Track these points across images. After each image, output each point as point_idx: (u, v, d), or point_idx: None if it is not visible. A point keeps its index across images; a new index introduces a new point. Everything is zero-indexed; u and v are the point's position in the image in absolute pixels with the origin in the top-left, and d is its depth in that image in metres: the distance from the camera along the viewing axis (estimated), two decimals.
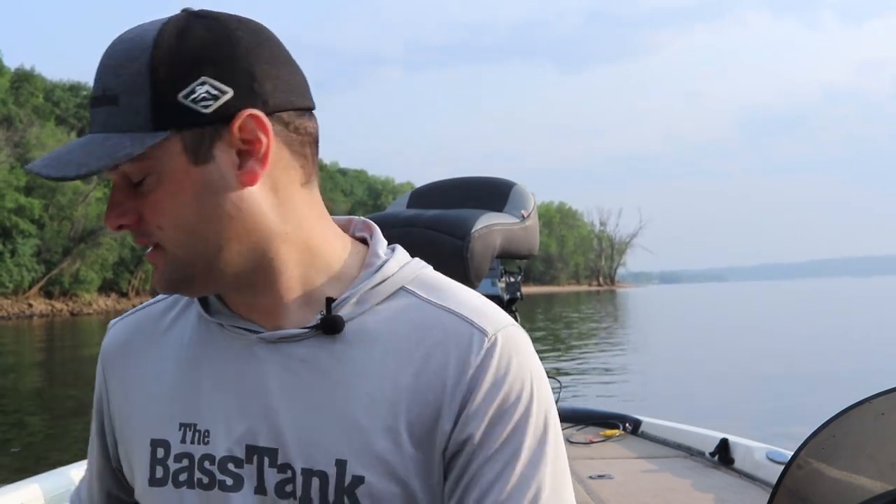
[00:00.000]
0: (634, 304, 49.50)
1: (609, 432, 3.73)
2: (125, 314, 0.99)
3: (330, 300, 0.81)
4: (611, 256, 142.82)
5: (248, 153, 0.77)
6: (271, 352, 0.83)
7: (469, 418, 0.78)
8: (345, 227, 0.91)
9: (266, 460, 0.81)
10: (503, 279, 4.36)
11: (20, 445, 7.18)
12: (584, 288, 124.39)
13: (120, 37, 0.78)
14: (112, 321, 0.99)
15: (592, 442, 3.64)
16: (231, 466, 0.82)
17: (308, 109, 0.82)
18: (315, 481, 0.79)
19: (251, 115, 0.76)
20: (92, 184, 50.24)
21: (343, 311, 0.82)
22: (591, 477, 3.07)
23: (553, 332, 21.68)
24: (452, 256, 2.37)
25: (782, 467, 1.06)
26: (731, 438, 3.24)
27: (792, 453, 1.05)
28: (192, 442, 0.85)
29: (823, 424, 1.04)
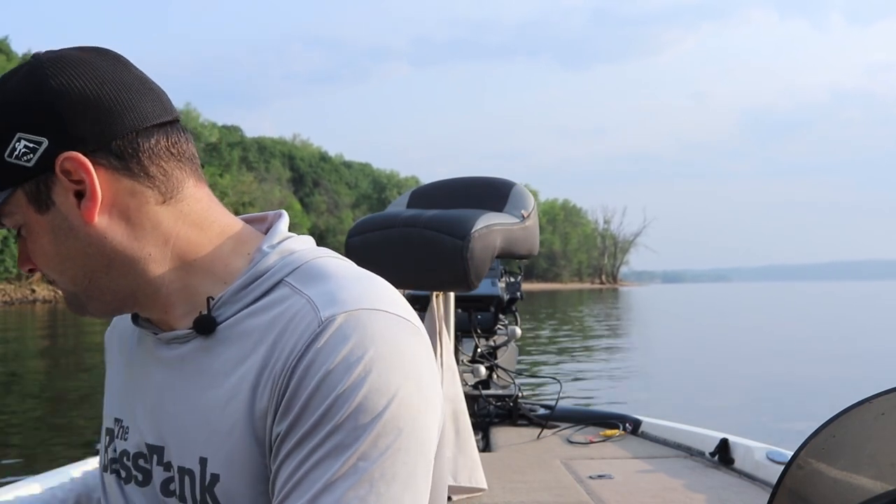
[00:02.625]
0: (637, 302, 49.48)
1: (609, 432, 3.73)
2: None
3: (209, 299, 0.83)
4: (614, 255, 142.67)
5: (83, 192, 0.80)
6: (164, 353, 0.86)
7: (284, 408, 0.75)
8: (270, 223, 0.91)
9: (155, 458, 0.85)
10: (503, 279, 4.37)
11: (22, 435, 7.19)
12: (586, 286, 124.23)
13: None
14: None
15: (592, 442, 3.64)
16: (141, 462, 0.87)
17: (160, 125, 0.83)
18: (186, 479, 0.81)
19: (66, 158, 0.79)
20: None
21: (219, 311, 0.83)
22: (591, 477, 3.07)
23: (554, 330, 21.68)
24: (452, 256, 2.37)
25: (782, 467, 1.06)
26: (731, 438, 3.24)
27: (792, 453, 1.05)
28: (118, 437, 0.92)
29: (823, 424, 1.04)
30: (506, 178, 2.87)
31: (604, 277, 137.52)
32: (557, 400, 4.08)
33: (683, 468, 3.20)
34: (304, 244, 0.87)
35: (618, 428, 3.78)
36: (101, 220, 0.81)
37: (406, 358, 0.76)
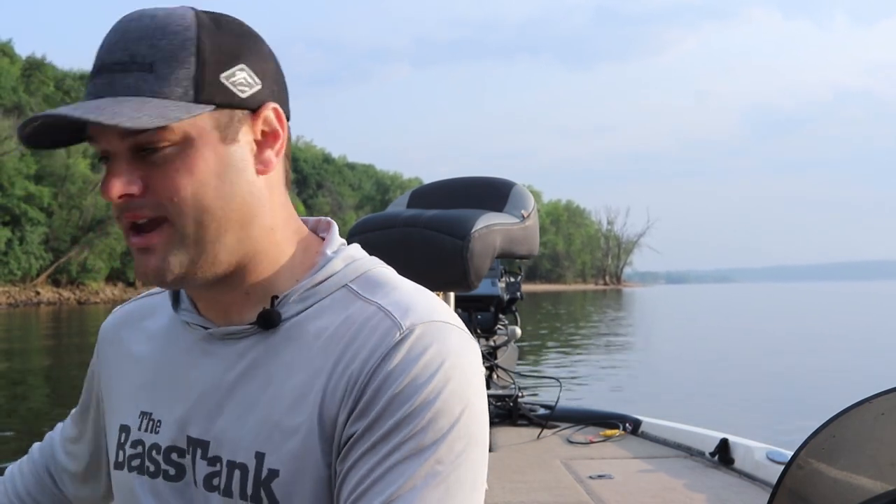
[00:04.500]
0: (640, 303, 49.50)
1: (609, 432, 3.73)
2: (130, 300, 1.04)
3: (274, 298, 0.84)
4: (618, 255, 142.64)
5: (265, 144, 0.82)
6: (217, 347, 0.86)
7: (361, 410, 0.77)
8: (312, 228, 0.93)
9: (199, 452, 0.84)
10: (503, 279, 4.37)
11: (26, 436, 7.20)
12: (590, 287, 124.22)
13: (138, 14, 0.80)
14: (118, 306, 1.05)
15: (592, 442, 3.64)
16: (174, 457, 0.86)
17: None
18: (237, 473, 0.81)
19: (274, 109, 0.83)
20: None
21: (283, 309, 0.83)
22: (591, 477, 3.07)
23: (555, 330, 21.69)
24: (452, 256, 2.37)
25: (782, 467, 1.06)
26: (731, 438, 3.24)
27: (792, 453, 1.05)
28: (146, 430, 0.90)
29: (823, 424, 1.04)
30: (508, 178, 2.87)
31: (607, 278, 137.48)
32: (557, 400, 4.08)
33: (683, 468, 3.19)
34: (361, 252, 0.89)
35: (618, 428, 3.77)
36: (263, 177, 0.83)
37: (474, 370, 0.80)
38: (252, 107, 0.81)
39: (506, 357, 4.26)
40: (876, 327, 22.68)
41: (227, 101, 0.79)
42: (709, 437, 3.36)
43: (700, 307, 43.46)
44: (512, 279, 4.35)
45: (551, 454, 3.45)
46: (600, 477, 3.07)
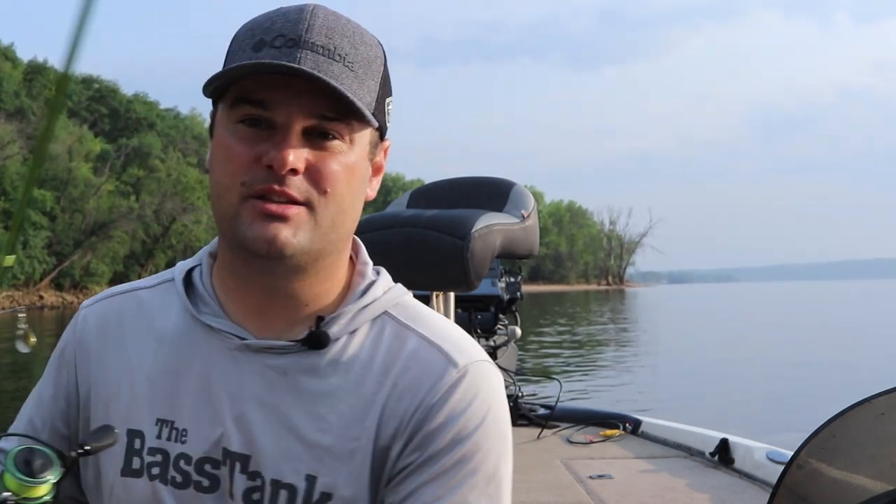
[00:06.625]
0: (643, 303, 49.50)
1: (609, 432, 3.73)
2: (101, 296, 0.97)
3: (320, 317, 0.84)
4: (620, 256, 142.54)
5: (375, 173, 0.88)
6: (252, 359, 0.84)
7: (418, 443, 0.82)
8: None
9: (238, 466, 0.83)
10: (503, 279, 4.36)
11: None
12: (592, 287, 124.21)
13: (332, 11, 0.82)
14: (86, 301, 0.97)
15: (592, 442, 3.64)
16: (208, 468, 0.84)
17: None
18: (283, 493, 0.82)
19: (388, 146, 0.89)
20: (104, 177, 50.59)
21: (330, 330, 0.84)
22: (591, 477, 3.07)
23: (557, 331, 21.68)
24: (452, 256, 2.37)
25: (782, 467, 1.07)
26: (731, 438, 3.23)
27: (792, 453, 1.05)
28: (169, 439, 0.86)
29: (823, 424, 1.04)
30: (510, 178, 2.86)
31: (610, 279, 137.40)
32: (557, 400, 4.07)
33: (683, 468, 3.19)
34: (388, 276, 0.92)
35: (618, 428, 3.77)
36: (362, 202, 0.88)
37: (505, 403, 0.89)
38: (383, 137, 0.87)
39: (506, 357, 4.25)
40: (877, 325, 22.65)
41: (382, 124, 0.85)
42: (709, 437, 3.35)
43: (702, 307, 43.45)
44: (512, 279, 4.35)
45: (551, 454, 3.45)
46: (600, 477, 3.06)
